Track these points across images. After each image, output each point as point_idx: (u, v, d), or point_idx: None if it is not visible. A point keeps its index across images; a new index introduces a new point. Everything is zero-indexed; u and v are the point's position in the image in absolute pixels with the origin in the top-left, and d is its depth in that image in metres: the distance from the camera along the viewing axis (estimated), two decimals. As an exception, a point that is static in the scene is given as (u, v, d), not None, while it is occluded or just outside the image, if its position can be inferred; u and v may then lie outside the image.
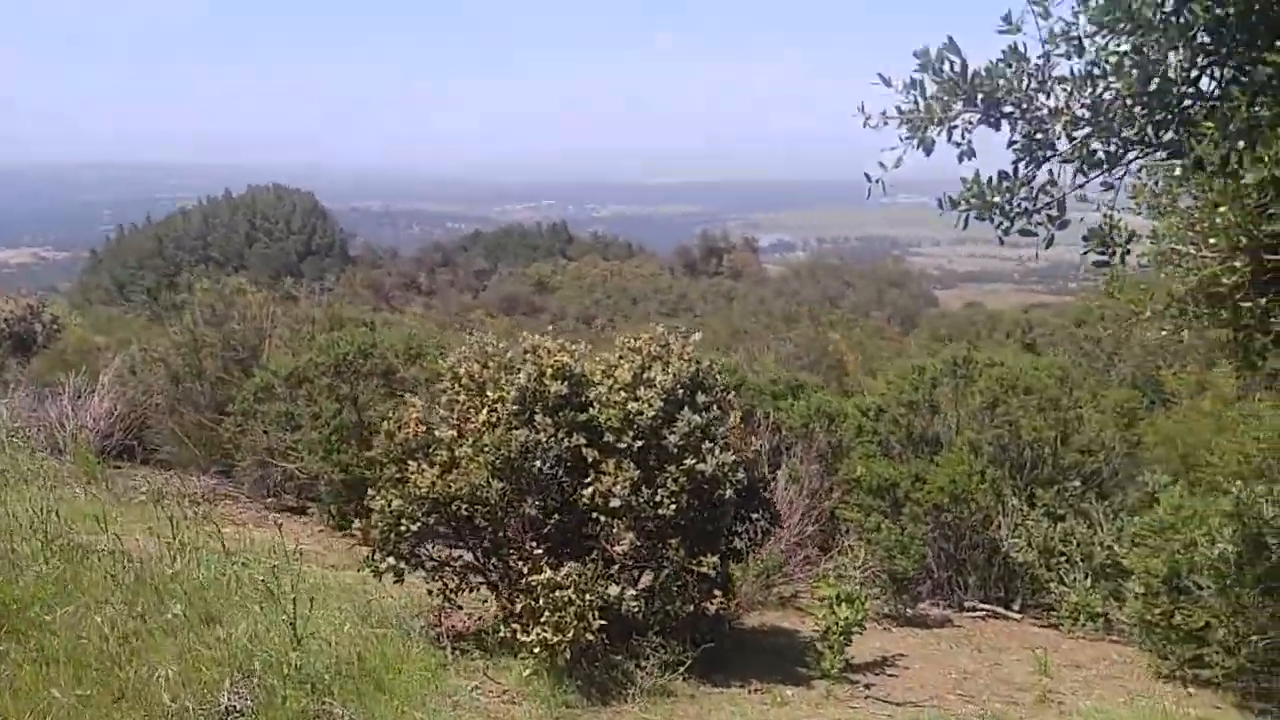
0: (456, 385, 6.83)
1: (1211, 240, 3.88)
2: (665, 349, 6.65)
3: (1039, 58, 4.06)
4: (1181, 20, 3.68)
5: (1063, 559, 8.99)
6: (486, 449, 6.22)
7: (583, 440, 6.51)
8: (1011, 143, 4.25)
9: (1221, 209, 3.70)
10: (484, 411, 6.52)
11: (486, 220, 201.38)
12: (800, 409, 10.23)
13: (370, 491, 6.61)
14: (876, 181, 4.23)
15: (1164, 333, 4.93)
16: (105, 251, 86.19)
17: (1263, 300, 4.05)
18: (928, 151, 4.17)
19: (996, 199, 4.20)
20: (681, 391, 6.48)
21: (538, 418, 6.48)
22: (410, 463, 6.45)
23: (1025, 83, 4.08)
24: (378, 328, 14.97)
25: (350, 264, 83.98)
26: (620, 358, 6.69)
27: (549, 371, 6.60)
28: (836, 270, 72.87)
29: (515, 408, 6.36)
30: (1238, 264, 3.88)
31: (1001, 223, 4.26)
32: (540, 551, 6.25)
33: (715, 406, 6.72)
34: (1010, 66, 4.06)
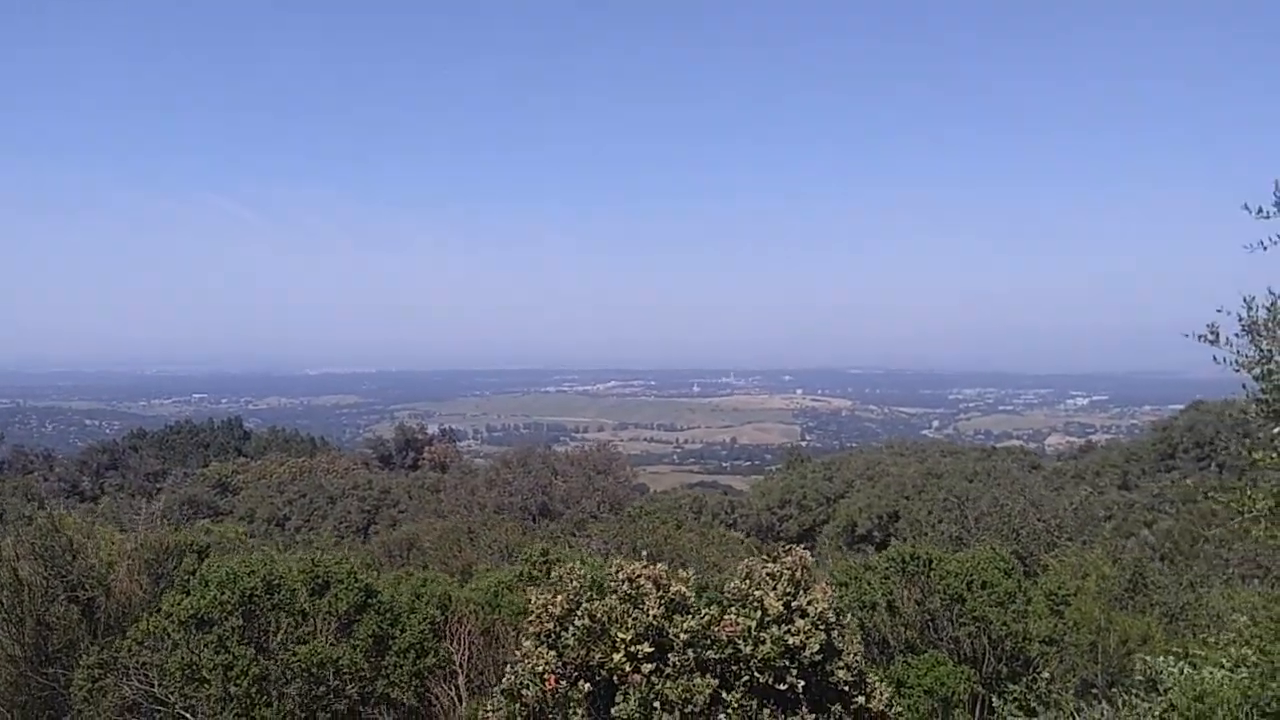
0: (565, 627, 6.00)
1: None
2: (807, 573, 6.24)
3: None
4: None
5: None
6: (666, 705, 5.45)
7: (714, 681, 5.91)
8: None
9: None
10: (619, 656, 5.75)
11: (132, 417, 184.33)
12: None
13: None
14: None
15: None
16: None
17: None
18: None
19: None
20: (834, 619, 6.10)
21: (671, 658, 5.83)
22: (551, 728, 5.52)
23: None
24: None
25: (-4, 470, 73.05)
26: (754, 585, 6.21)
27: (669, 604, 6.00)
28: (545, 458, 72.92)
29: (688, 651, 5.67)
30: None
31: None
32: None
33: (839, 633, 6.37)
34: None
